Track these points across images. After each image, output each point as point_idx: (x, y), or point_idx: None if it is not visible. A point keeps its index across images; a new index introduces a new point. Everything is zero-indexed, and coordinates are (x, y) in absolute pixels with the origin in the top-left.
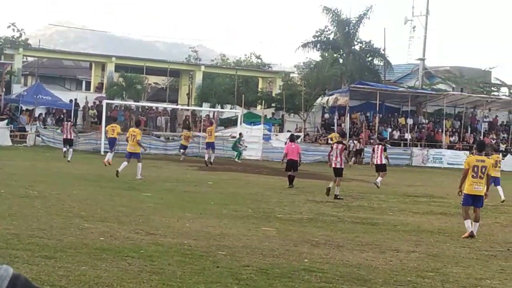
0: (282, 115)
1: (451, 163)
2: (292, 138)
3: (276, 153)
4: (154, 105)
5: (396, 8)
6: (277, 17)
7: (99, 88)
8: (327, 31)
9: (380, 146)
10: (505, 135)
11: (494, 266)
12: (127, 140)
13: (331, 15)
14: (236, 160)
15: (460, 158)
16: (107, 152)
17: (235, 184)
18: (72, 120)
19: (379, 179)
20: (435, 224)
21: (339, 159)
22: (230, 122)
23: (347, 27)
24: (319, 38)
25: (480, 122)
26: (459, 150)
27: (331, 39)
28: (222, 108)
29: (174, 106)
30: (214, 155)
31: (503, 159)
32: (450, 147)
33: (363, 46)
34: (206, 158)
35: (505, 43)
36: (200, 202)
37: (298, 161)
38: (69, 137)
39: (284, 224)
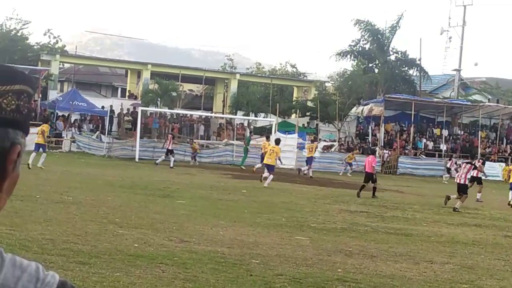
0: (317, 124)
1: (491, 174)
2: (373, 151)
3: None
4: (188, 112)
5: (433, 19)
6: (313, 27)
7: (130, 96)
8: (363, 41)
9: (469, 165)
10: None
11: None
12: None
13: (364, 26)
14: (242, 166)
15: (495, 169)
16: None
17: (269, 192)
18: (107, 127)
19: (479, 195)
20: (470, 236)
21: (463, 176)
22: (265, 131)
23: (380, 37)
24: (354, 48)
25: None
26: (494, 161)
27: (366, 49)
28: (256, 116)
29: (208, 114)
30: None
31: None
32: (486, 158)
33: (399, 56)
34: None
35: None
36: (234, 210)
37: (373, 174)
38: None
39: (318, 233)
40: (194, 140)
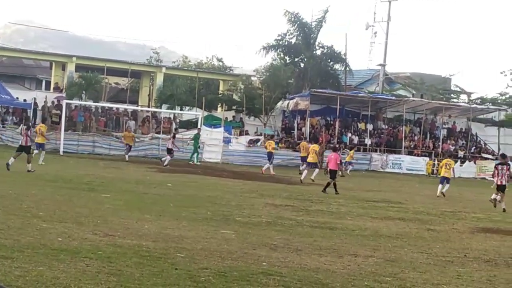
0: (241, 118)
1: (410, 168)
2: (336, 149)
3: (235, 156)
4: (114, 105)
5: (359, 14)
6: (240, 20)
7: (56, 89)
8: (289, 35)
9: (505, 166)
10: (464, 142)
11: (451, 272)
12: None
13: (292, 17)
14: (196, 163)
15: (419, 164)
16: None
17: (195, 186)
18: (31, 121)
19: (498, 197)
20: (393, 229)
21: (503, 177)
22: (191, 124)
23: (307, 30)
24: (281, 42)
25: (439, 129)
26: (418, 156)
27: (292, 43)
28: (181, 109)
29: (134, 107)
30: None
31: (461, 165)
32: (409, 153)
33: (325, 51)
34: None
35: (465, 50)
36: (159, 204)
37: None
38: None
39: (243, 227)
40: (132, 134)
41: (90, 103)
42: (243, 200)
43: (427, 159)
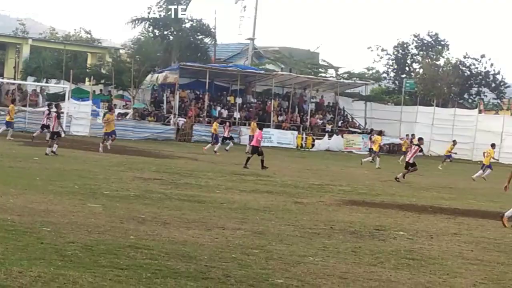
0: (109, 91)
1: (280, 142)
2: (261, 127)
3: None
4: None
5: None
6: None
7: None
8: (158, 7)
9: (416, 147)
10: (331, 116)
11: (317, 244)
12: None
13: None
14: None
15: (288, 137)
16: None
17: (62, 160)
18: None
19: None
20: (261, 202)
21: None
22: (58, 97)
23: (176, 3)
24: (149, 15)
25: (308, 103)
26: (286, 129)
27: (161, 16)
28: (47, 82)
29: None
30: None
31: (329, 139)
32: (278, 126)
33: (194, 24)
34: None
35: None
36: (25, 178)
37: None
38: None
39: (111, 201)
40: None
41: None
42: (111, 173)
43: (295, 132)
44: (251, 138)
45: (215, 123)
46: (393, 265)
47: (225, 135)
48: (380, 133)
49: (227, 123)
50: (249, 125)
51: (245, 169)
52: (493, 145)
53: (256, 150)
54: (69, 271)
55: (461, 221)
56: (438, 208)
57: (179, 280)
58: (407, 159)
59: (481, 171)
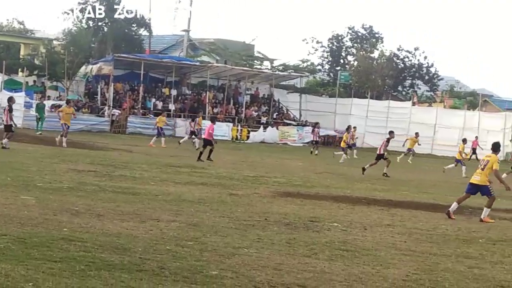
0: (42, 83)
1: (215, 134)
2: (213, 119)
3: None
4: None
5: None
6: None
7: None
8: None
9: (385, 140)
10: (267, 108)
11: (252, 235)
12: None
13: None
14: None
15: (222, 129)
16: None
17: None
18: None
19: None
20: (196, 194)
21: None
22: None
23: None
24: (83, 6)
25: (243, 95)
26: (222, 121)
27: (96, 7)
28: None
29: None
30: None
31: (264, 131)
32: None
33: (128, 16)
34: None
35: (267, 17)
36: None
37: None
38: None
39: (44, 193)
40: None
41: None
42: (45, 165)
43: (230, 124)
44: (200, 132)
45: (160, 116)
46: (327, 256)
47: (192, 129)
48: (349, 128)
49: (196, 119)
50: (190, 118)
51: (208, 161)
52: (464, 140)
53: (208, 143)
54: (1, 263)
55: (394, 213)
56: (372, 200)
57: (113, 273)
58: (378, 152)
59: (453, 165)
